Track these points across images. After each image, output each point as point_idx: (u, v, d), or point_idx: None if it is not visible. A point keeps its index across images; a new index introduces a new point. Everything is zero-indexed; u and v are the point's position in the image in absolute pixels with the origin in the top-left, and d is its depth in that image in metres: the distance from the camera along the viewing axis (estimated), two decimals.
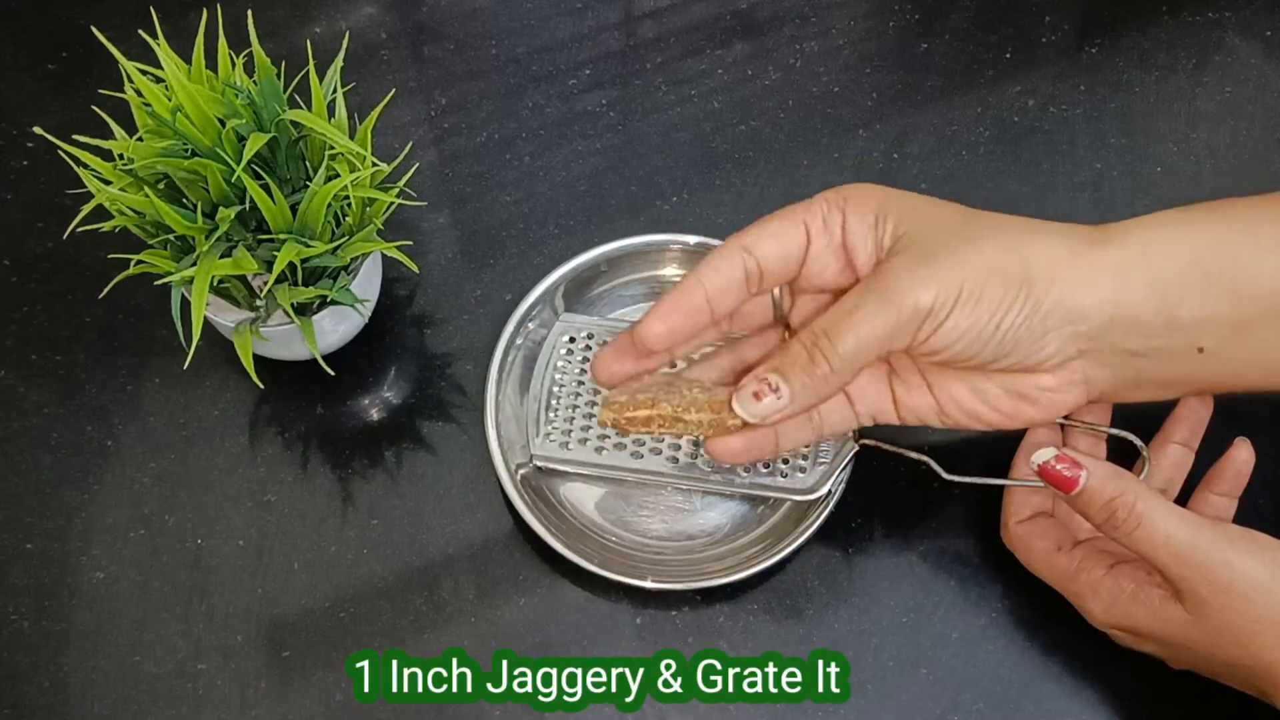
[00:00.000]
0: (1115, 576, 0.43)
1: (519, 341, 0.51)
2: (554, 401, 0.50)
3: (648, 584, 0.46)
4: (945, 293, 0.38)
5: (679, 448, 0.49)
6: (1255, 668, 0.40)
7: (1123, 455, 0.48)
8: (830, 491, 0.48)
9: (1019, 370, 0.40)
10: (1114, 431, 0.48)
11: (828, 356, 0.39)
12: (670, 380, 0.43)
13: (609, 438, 0.49)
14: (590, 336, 0.52)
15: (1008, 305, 0.38)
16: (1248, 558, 0.39)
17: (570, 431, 0.50)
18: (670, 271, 0.54)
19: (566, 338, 0.52)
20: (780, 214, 0.41)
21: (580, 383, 0.51)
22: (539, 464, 0.49)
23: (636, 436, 0.49)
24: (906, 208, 0.40)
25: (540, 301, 0.52)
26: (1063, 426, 0.49)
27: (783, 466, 0.48)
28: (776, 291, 0.43)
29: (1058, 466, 0.41)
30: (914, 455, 0.47)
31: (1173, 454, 0.48)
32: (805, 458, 0.49)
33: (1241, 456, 0.46)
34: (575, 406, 0.50)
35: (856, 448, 0.48)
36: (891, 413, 0.44)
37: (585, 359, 0.51)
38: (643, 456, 0.49)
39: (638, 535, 0.49)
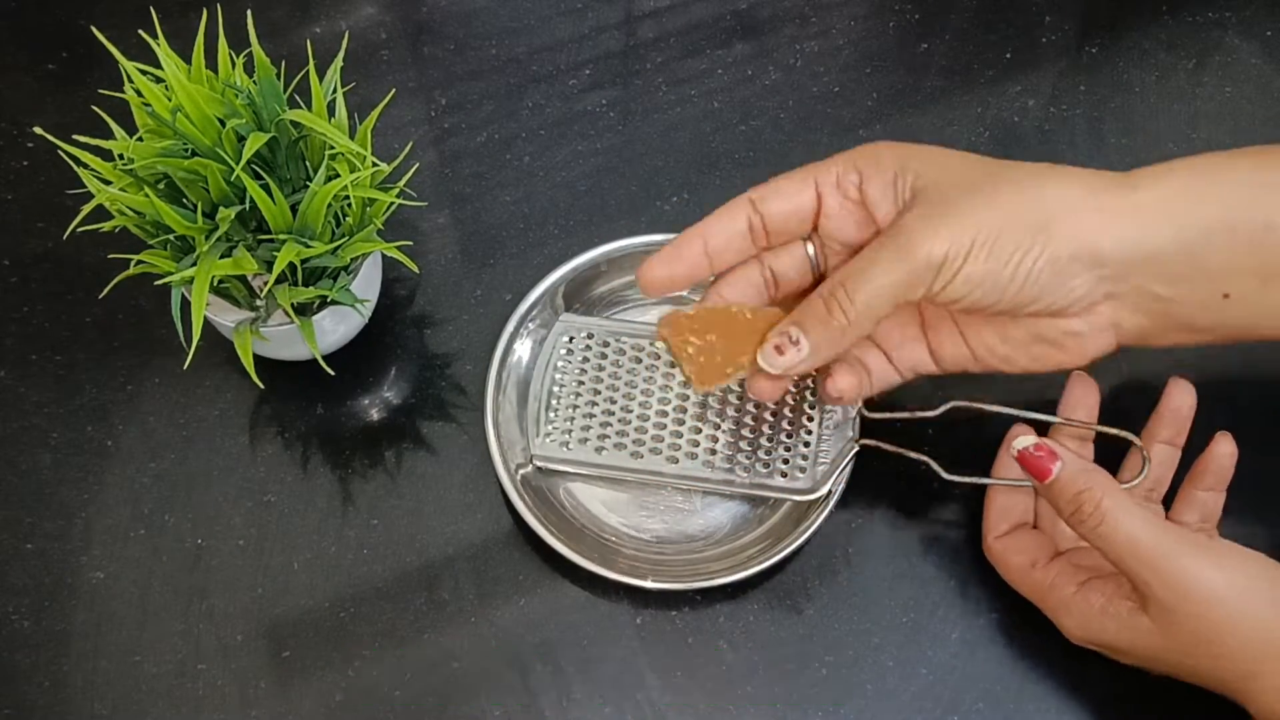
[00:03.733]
0: (1085, 592, 0.43)
1: (519, 341, 0.51)
2: (554, 401, 0.50)
3: (648, 584, 0.46)
4: (958, 244, 0.38)
5: (679, 448, 0.49)
6: (1225, 679, 0.40)
7: (1124, 457, 0.48)
8: (830, 491, 0.48)
9: (1048, 314, 0.41)
10: (1109, 430, 0.47)
11: (844, 309, 0.40)
12: (720, 310, 0.43)
13: (609, 438, 0.49)
14: (590, 336, 0.52)
15: (1024, 252, 0.39)
16: (1209, 566, 0.39)
17: (570, 431, 0.50)
18: None
19: (566, 338, 0.52)
20: (793, 172, 0.42)
21: (580, 383, 0.51)
22: (539, 464, 0.49)
23: (636, 436, 0.49)
24: (926, 162, 0.41)
25: (540, 301, 0.52)
26: (1054, 427, 0.48)
27: (783, 466, 0.48)
28: (810, 250, 0.44)
29: (1037, 454, 0.42)
30: (914, 455, 0.47)
31: (1159, 453, 0.47)
32: (805, 458, 0.49)
33: (1224, 451, 0.46)
34: (575, 406, 0.50)
35: (857, 448, 0.48)
36: (930, 363, 0.45)
37: (585, 359, 0.51)
38: (642, 456, 0.49)
39: (638, 535, 0.49)
